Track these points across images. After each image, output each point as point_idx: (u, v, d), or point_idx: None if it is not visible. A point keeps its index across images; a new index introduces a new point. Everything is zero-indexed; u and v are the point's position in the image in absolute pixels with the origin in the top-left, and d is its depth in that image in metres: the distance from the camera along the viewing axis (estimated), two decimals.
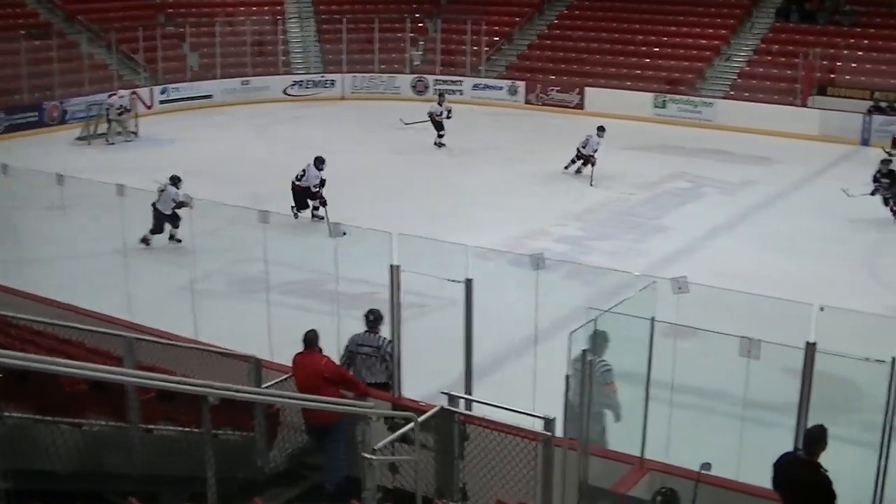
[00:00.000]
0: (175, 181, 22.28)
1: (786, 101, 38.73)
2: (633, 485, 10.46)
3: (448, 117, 33.52)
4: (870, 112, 37.11)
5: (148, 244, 22.11)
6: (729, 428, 12.58)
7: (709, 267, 20.73)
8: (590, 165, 29.66)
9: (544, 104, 42.01)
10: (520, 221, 24.49)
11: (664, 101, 40.01)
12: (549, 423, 9.53)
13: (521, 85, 43.02)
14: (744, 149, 33.77)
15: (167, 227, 22.22)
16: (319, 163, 24.32)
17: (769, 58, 41.10)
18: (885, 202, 24.93)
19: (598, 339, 10.44)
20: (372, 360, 13.01)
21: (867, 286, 21.01)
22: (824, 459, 8.94)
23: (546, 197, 27.37)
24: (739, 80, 40.81)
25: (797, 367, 9.80)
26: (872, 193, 24.85)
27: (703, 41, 43.05)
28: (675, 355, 11.89)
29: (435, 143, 33.52)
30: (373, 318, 13.17)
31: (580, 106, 41.33)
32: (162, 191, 22.04)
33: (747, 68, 41.35)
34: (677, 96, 40.14)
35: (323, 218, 23.66)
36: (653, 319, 10.18)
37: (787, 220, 25.92)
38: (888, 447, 9.50)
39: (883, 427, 9.46)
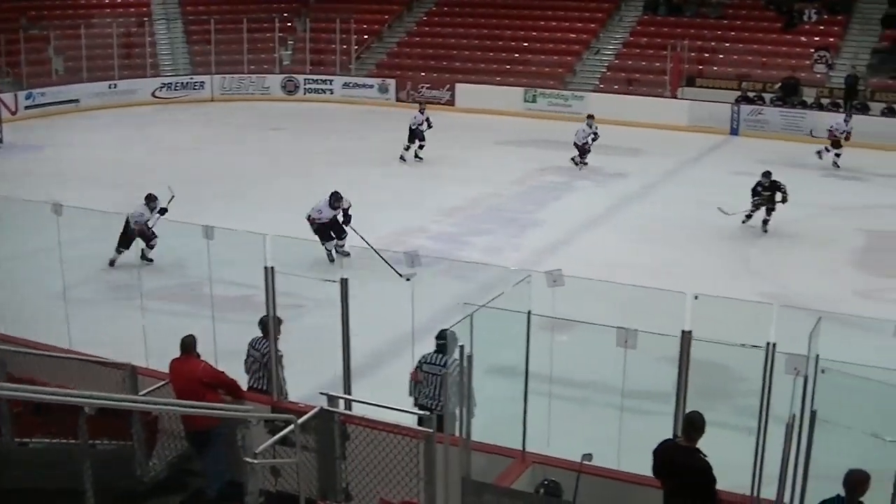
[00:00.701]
0: (148, 200, 21.18)
1: (655, 93, 39.33)
2: (515, 478, 10.49)
3: (429, 127, 31.68)
4: (738, 102, 37.98)
5: (150, 260, 21.18)
6: (609, 418, 12.68)
7: (584, 259, 20.95)
8: (586, 154, 30.38)
9: (415, 101, 41.97)
10: (394, 219, 24.37)
11: (534, 95, 40.34)
12: (423, 420, 9.56)
13: (391, 83, 43.08)
14: (615, 141, 34.09)
15: (145, 242, 21.10)
16: (335, 200, 21.38)
17: (638, 50, 41.79)
18: (757, 209, 24.22)
19: (450, 339, 10.45)
20: (257, 366, 12.94)
21: (741, 274, 21.40)
22: (703, 444, 9.09)
23: (420, 194, 27.37)
24: (609, 73, 41.38)
25: (674, 355, 9.93)
26: (752, 211, 24.15)
27: (573, 35, 43.57)
28: (554, 348, 11.98)
29: (415, 157, 31.71)
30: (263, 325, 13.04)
31: (451, 102, 41.51)
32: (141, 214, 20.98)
33: (616, 61, 41.93)
34: (547, 90, 40.53)
35: (335, 252, 21.59)
36: (529, 313, 10.23)
37: (661, 210, 26.29)
38: (765, 431, 9.67)
39: (759, 411, 9.62)
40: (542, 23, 44.35)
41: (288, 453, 9.72)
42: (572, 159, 30.68)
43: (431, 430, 9.33)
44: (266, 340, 12.79)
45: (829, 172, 31.13)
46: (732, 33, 41.74)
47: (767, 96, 38.35)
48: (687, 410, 9.64)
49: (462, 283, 18.17)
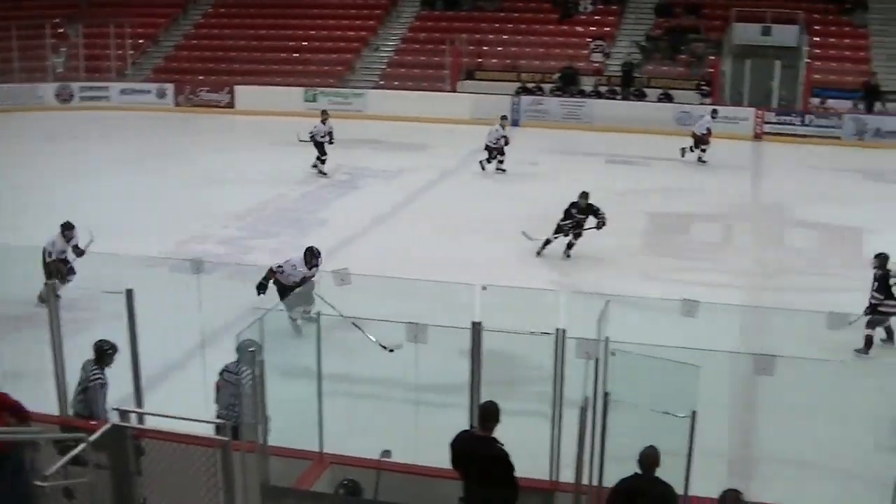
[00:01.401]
0: (64, 229, 18.98)
1: (436, 88, 39.69)
2: (315, 480, 10.44)
3: (331, 142, 29.80)
4: (518, 93, 38.57)
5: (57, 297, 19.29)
6: (405, 413, 12.71)
7: (373, 256, 20.94)
8: (497, 156, 29.92)
9: (194, 105, 41.59)
10: (179, 226, 23.78)
11: (314, 94, 40.24)
12: (219, 428, 9.42)
13: (169, 87, 42.39)
14: (398, 137, 34.33)
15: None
16: (312, 257, 17.47)
17: (417, 46, 42.12)
18: (559, 230, 21.94)
19: (241, 346, 10.30)
20: (80, 388, 12.46)
21: (530, 263, 21.63)
22: (500, 433, 9.16)
23: (203, 199, 26.83)
24: (389, 70, 41.58)
25: (467, 347, 9.98)
26: (553, 238, 21.88)
27: (351, 33, 43.73)
28: (347, 347, 11.95)
29: (317, 170, 29.96)
30: (96, 350, 12.54)
31: (231, 105, 41.19)
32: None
33: (396, 57, 42.20)
34: (328, 89, 40.47)
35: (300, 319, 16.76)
36: (319, 314, 10.18)
37: (448, 203, 26.51)
38: (561, 415, 9.81)
39: (553, 396, 9.76)
40: (321, 21, 44.45)
41: (80, 473, 9.46)
42: (481, 162, 30.31)
43: (227, 439, 9.18)
44: (95, 364, 12.39)
45: (610, 158, 31.89)
46: (510, 26, 42.55)
47: (547, 87, 39.12)
48: (482, 401, 9.71)
49: (252, 288, 17.94)
